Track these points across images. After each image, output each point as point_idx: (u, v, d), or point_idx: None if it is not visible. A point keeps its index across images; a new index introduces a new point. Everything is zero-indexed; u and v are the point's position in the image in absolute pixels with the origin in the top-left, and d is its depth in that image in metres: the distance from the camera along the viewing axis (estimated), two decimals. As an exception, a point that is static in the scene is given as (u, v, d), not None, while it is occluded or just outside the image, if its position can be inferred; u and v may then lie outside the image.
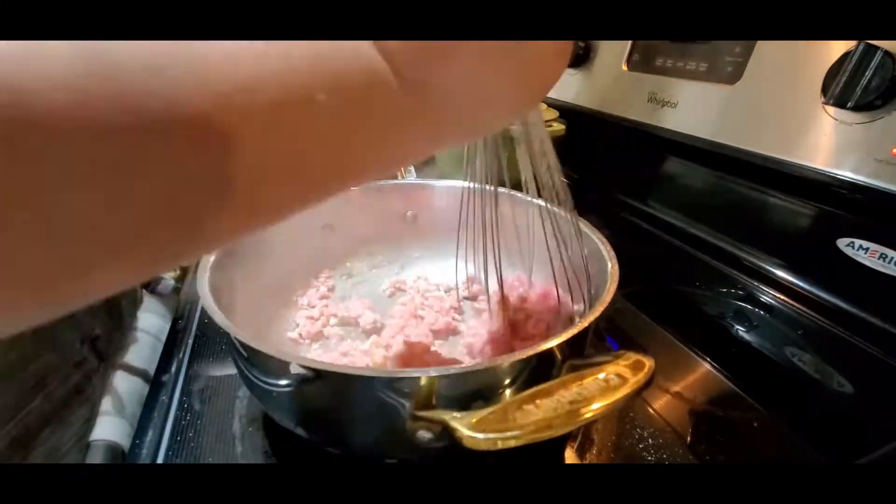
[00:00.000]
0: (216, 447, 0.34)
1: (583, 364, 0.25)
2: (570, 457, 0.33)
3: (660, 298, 0.51)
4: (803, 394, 0.39)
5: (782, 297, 0.47)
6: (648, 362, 0.23)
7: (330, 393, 0.27)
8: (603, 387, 0.22)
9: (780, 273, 0.48)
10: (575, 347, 0.28)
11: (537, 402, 0.21)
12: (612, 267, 0.33)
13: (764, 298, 0.48)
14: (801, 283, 0.46)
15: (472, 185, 0.35)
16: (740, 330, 0.46)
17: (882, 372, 0.38)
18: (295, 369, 0.25)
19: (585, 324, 0.27)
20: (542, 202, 0.33)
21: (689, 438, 0.33)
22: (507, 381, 0.26)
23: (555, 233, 0.34)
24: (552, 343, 0.25)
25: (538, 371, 0.26)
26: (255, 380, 0.29)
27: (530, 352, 0.25)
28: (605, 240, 0.36)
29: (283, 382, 0.27)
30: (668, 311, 0.48)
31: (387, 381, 0.25)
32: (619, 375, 0.23)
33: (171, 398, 0.38)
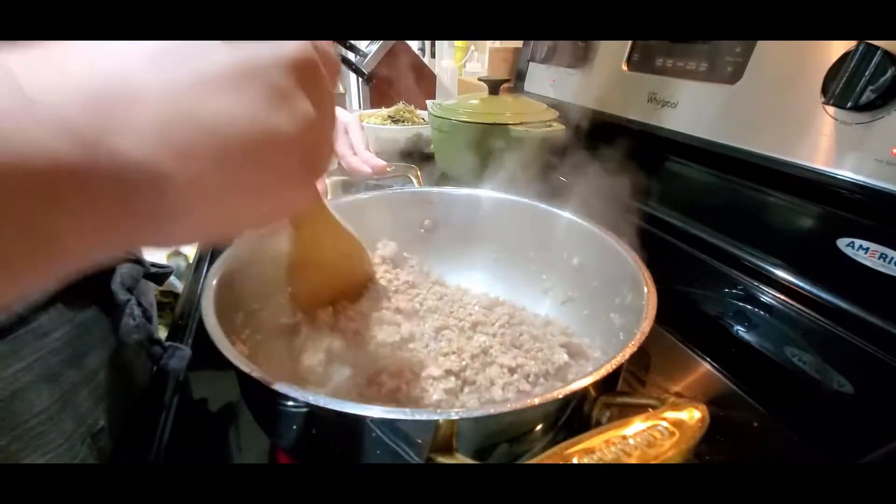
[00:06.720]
0: (216, 447, 0.34)
1: (617, 402, 0.24)
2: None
3: (660, 298, 0.51)
4: (803, 394, 0.39)
5: (782, 297, 0.47)
6: (702, 412, 0.21)
7: (334, 429, 0.25)
8: (649, 442, 0.20)
9: (780, 273, 0.48)
10: (608, 384, 0.26)
11: (575, 461, 0.19)
12: (648, 292, 0.32)
13: (764, 298, 0.48)
14: (801, 283, 0.46)
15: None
16: (740, 330, 0.46)
17: (882, 372, 0.38)
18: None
19: (619, 361, 0.25)
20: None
21: (689, 438, 0.33)
22: (535, 424, 0.25)
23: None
24: (585, 382, 0.23)
25: (569, 411, 0.25)
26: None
27: (560, 393, 0.23)
28: (643, 266, 0.36)
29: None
30: (668, 311, 0.48)
31: (392, 424, 0.22)
32: (666, 429, 0.20)
33: (170, 399, 0.38)
